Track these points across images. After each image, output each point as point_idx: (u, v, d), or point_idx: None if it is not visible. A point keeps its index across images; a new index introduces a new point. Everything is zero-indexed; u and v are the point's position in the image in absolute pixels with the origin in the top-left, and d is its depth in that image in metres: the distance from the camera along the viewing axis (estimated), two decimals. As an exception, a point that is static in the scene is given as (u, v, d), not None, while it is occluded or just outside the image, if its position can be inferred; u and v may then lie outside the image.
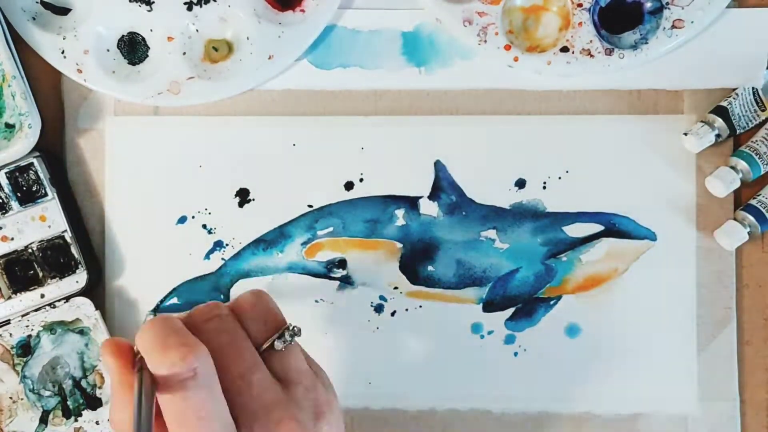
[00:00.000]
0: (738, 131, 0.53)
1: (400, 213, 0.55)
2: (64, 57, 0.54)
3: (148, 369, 0.35)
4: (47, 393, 0.54)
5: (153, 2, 0.54)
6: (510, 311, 0.55)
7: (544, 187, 0.55)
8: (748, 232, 0.53)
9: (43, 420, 0.53)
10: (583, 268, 0.55)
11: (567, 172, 0.55)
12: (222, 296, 0.55)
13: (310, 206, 0.55)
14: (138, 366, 0.36)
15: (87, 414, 0.53)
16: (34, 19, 0.54)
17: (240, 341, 0.38)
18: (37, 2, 0.54)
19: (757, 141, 0.53)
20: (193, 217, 0.55)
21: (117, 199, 0.55)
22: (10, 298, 0.52)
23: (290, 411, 0.37)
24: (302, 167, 0.55)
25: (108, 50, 0.55)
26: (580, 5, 0.53)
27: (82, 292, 0.53)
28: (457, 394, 0.55)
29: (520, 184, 0.55)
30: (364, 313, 0.55)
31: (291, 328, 0.39)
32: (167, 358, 0.35)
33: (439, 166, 0.55)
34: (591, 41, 0.53)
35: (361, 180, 0.55)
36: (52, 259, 0.53)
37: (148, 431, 0.33)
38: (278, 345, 0.39)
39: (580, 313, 0.55)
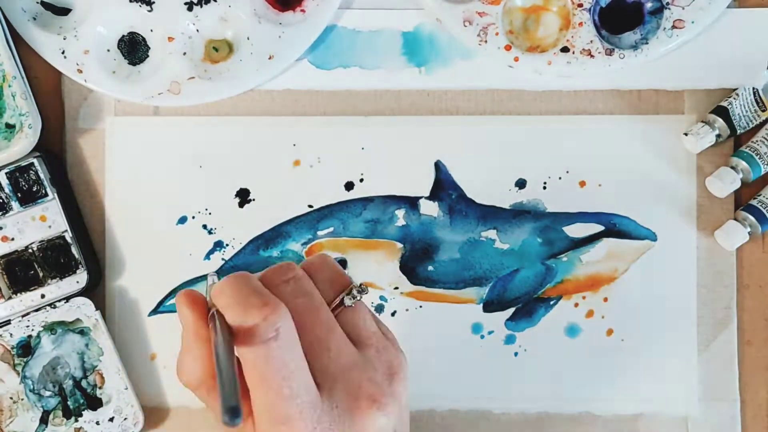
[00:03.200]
0: (738, 131, 0.53)
1: (400, 213, 0.55)
2: (65, 57, 0.54)
3: (226, 324, 0.35)
4: (47, 393, 0.54)
5: (153, 2, 0.54)
6: (510, 311, 0.55)
7: (544, 187, 0.55)
8: (749, 233, 0.53)
9: (44, 420, 0.53)
10: (583, 268, 0.55)
11: (567, 172, 0.55)
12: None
13: (310, 206, 0.55)
14: (213, 320, 0.36)
15: (87, 414, 0.53)
16: (34, 19, 0.54)
17: (317, 303, 0.38)
18: (37, 2, 0.54)
19: (757, 141, 0.53)
20: (193, 218, 0.55)
21: (117, 199, 0.55)
22: (10, 298, 0.52)
23: (367, 372, 0.38)
24: (302, 167, 0.55)
25: (108, 50, 0.55)
26: (580, 5, 0.53)
27: (83, 292, 0.53)
28: (457, 394, 0.55)
29: (520, 184, 0.55)
30: (364, 313, 0.55)
31: (359, 285, 0.40)
32: (250, 317, 0.35)
33: (439, 166, 0.55)
34: (591, 41, 0.53)
35: (361, 180, 0.55)
36: (52, 259, 0.53)
37: (232, 379, 0.33)
38: (348, 301, 0.39)
39: (580, 313, 0.55)
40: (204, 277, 0.55)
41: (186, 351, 0.38)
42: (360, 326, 0.39)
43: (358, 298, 0.39)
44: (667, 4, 0.53)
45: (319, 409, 0.36)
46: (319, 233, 0.55)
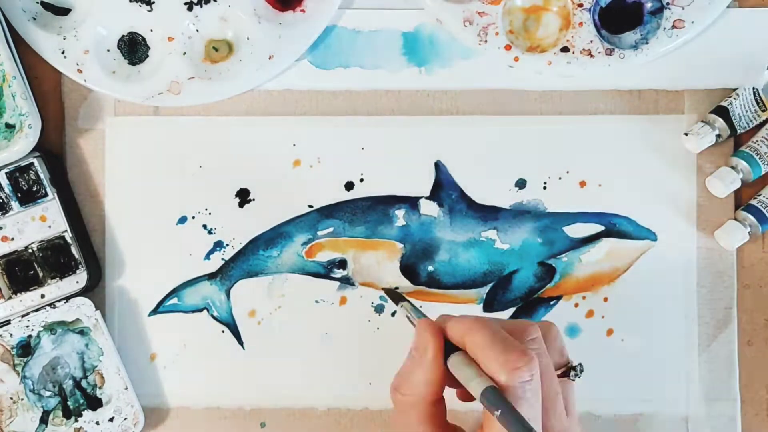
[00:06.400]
0: (738, 131, 0.53)
1: (400, 213, 0.55)
2: (65, 57, 0.54)
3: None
4: (47, 393, 0.54)
5: (153, 2, 0.54)
6: (510, 311, 0.55)
7: (545, 187, 0.55)
8: (749, 233, 0.53)
9: (44, 420, 0.53)
10: (583, 268, 0.55)
11: (567, 172, 0.55)
12: (222, 297, 0.55)
13: (310, 206, 0.55)
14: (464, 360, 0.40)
15: (87, 414, 0.53)
16: (34, 19, 0.54)
17: (551, 367, 0.41)
18: (37, 2, 0.54)
19: (757, 141, 0.53)
20: (193, 218, 0.55)
21: (117, 199, 0.55)
22: (10, 298, 0.52)
23: None
24: (302, 167, 0.55)
25: (108, 50, 0.55)
26: (580, 5, 0.53)
27: (82, 293, 0.53)
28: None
29: (521, 184, 0.55)
30: (365, 314, 0.55)
31: (579, 364, 0.43)
32: (511, 359, 0.38)
33: (439, 166, 0.55)
34: (591, 41, 0.53)
35: (361, 180, 0.55)
36: (52, 259, 0.53)
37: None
38: (572, 377, 0.43)
39: (580, 313, 0.55)
40: (203, 278, 0.55)
41: (414, 368, 0.41)
42: (571, 401, 0.43)
43: (580, 376, 0.43)
44: (667, 4, 0.53)
45: None
46: (319, 233, 0.55)
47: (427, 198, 0.55)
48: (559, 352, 0.43)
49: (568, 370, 0.43)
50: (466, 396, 0.42)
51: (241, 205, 0.55)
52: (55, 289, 0.53)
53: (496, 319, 0.42)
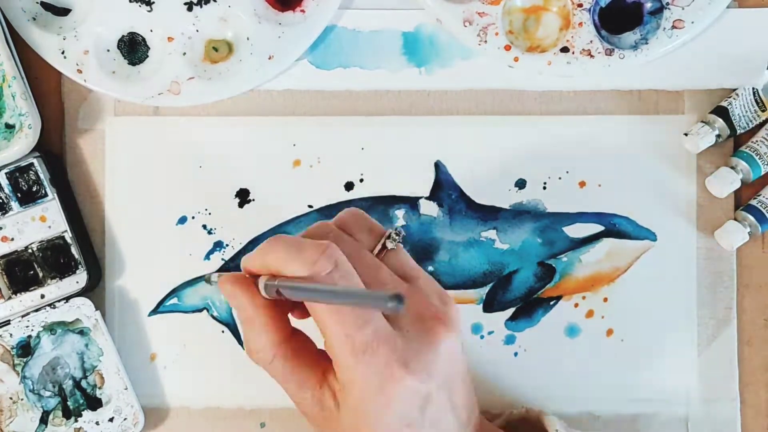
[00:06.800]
0: (738, 131, 0.53)
1: (400, 213, 0.55)
2: (65, 57, 0.54)
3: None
4: (47, 393, 0.54)
5: (153, 2, 0.54)
6: (510, 311, 0.55)
7: (544, 188, 0.55)
8: (749, 233, 0.53)
9: (43, 420, 0.53)
10: (583, 268, 0.55)
11: (567, 172, 0.55)
12: (222, 297, 0.55)
13: (310, 206, 0.55)
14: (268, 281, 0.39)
15: (87, 414, 0.53)
16: (34, 19, 0.54)
17: (358, 248, 0.41)
18: (37, 2, 0.54)
19: (757, 141, 0.53)
20: (193, 218, 0.55)
21: (117, 199, 0.55)
22: (10, 298, 0.52)
23: (424, 298, 0.40)
24: (302, 167, 0.55)
25: (108, 50, 0.55)
26: (580, 5, 0.53)
27: (82, 293, 0.53)
28: (457, 394, 0.55)
29: (520, 184, 0.55)
30: (364, 314, 0.55)
31: (396, 229, 0.42)
32: (308, 257, 0.37)
33: (439, 166, 0.55)
34: (591, 41, 0.53)
35: (361, 180, 0.55)
36: (52, 260, 0.53)
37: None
38: (390, 244, 0.42)
39: (579, 313, 0.55)
40: (202, 278, 0.55)
41: (249, 326, 0.40)
42: (405, 263, 0.42)
43: (399, 240, 0.42)
44: (667, 4, 0.53)
45: (393, 333, 0.38)
46: (319, 233, 0.55)
47: (426, 198, 0.55)
48: (367, 231, 0.42)
49: (384, 242, 0.42)
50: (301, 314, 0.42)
51: (241, 205, 0.55)
52: (55, 289, 0.53)
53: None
